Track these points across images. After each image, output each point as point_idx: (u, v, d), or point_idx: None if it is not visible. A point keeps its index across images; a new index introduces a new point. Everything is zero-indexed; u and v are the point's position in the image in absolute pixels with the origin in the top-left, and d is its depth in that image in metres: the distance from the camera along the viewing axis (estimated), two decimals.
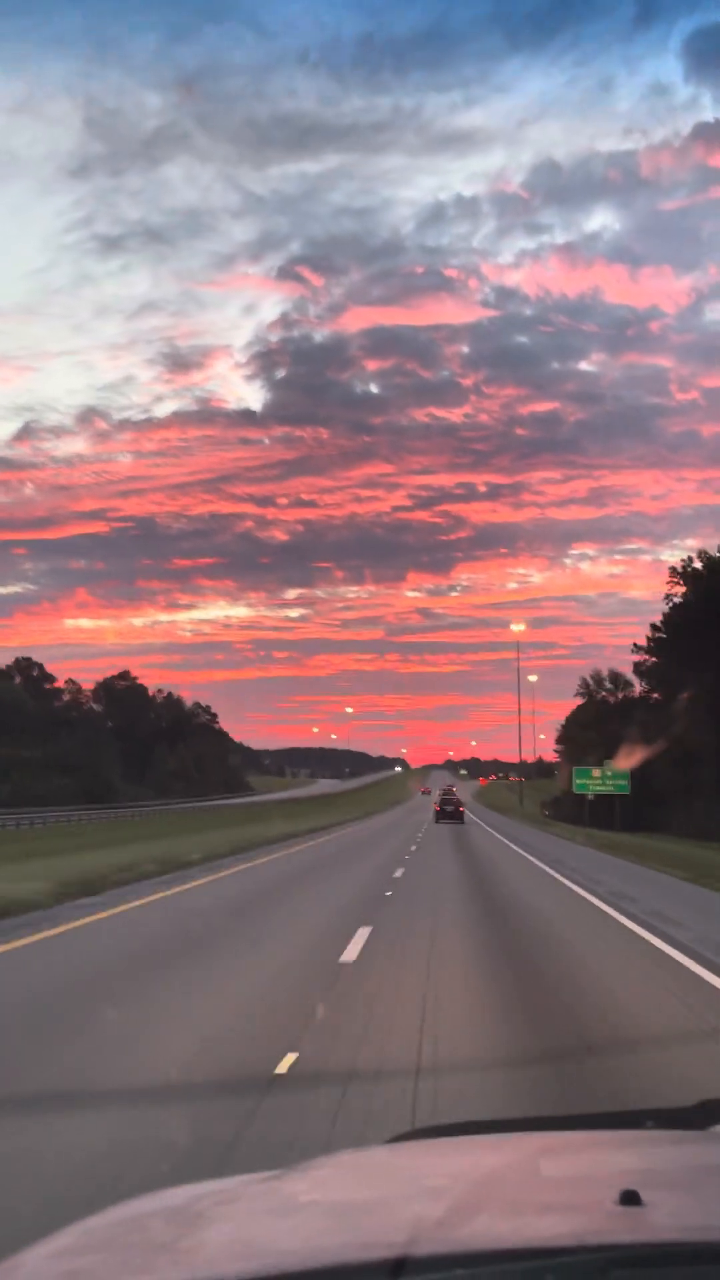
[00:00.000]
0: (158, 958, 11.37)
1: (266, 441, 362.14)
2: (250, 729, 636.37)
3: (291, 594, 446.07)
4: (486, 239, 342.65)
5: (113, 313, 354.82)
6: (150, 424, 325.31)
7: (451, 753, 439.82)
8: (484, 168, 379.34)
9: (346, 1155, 2.30)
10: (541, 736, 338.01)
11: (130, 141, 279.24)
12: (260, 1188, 1.93)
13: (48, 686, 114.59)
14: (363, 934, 12.84)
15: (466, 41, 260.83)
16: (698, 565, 78.90)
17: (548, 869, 27.29)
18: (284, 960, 11.26)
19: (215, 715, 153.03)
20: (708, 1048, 7.73)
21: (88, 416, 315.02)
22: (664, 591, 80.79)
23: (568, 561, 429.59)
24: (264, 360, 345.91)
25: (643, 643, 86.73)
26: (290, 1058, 6.90)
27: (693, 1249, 1.38)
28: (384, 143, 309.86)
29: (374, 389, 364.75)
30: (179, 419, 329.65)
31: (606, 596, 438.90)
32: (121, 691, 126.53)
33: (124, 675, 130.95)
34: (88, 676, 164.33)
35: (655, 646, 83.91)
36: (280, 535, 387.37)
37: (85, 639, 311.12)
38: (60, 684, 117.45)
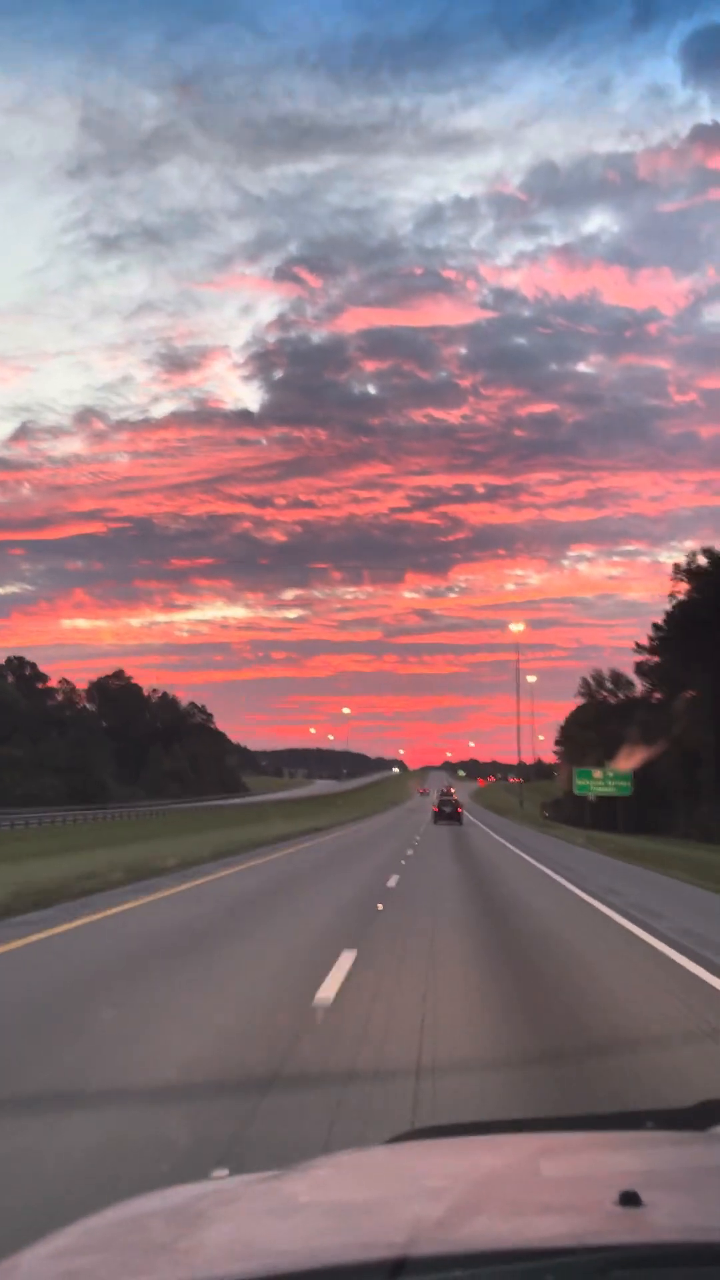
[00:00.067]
0: (55, 1010, 8.43)
1: (264, 442, 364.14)
2: (248, 730, 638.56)
3: (289, 595, 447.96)
4: (484, 240, 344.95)
5: (110, 313, 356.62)
6: (148, 424, 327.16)
7: (449, 754, 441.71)
8: (482, 169, 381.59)
9: (346, 1155, 2.29)
10: (540, 737, 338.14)
11: (128, 142, 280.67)
12: (260, 1188, 1.93)
13: (40, 686, 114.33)
14: (345, 961, 10.69)
15: (465, 42, 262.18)
16: (702, 561, 78.69)
17: (573, 887, 21.85)
18: (238, 1009, 8.51)
19: (211, 715, 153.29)
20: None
21: (85, 417, 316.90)
22: (662, 593, 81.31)
23: (566, 563, 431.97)
24: (262, 361, 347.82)
25: (643, 642, 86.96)
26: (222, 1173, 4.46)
27: (693, 1250, 1.38)
28: (382, 143, 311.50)
29: (372, 390, 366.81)
30: (177, 419, 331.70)
31: (605, 598, 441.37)
32: (116, 691, 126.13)
33: (118, 675, 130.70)
34: (84, 677, 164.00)
35: (658, 645, 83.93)
36: (278, 536, 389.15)
37: (82, 639, 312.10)
38: (54, 683, 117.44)
